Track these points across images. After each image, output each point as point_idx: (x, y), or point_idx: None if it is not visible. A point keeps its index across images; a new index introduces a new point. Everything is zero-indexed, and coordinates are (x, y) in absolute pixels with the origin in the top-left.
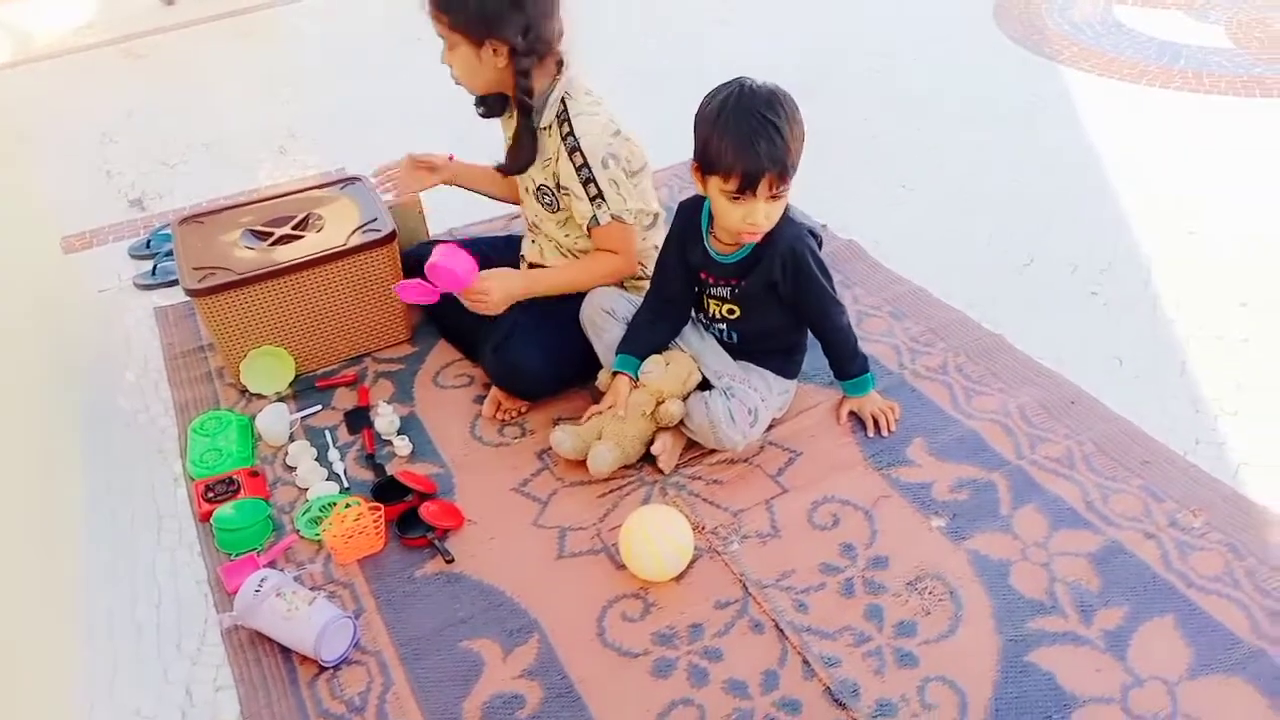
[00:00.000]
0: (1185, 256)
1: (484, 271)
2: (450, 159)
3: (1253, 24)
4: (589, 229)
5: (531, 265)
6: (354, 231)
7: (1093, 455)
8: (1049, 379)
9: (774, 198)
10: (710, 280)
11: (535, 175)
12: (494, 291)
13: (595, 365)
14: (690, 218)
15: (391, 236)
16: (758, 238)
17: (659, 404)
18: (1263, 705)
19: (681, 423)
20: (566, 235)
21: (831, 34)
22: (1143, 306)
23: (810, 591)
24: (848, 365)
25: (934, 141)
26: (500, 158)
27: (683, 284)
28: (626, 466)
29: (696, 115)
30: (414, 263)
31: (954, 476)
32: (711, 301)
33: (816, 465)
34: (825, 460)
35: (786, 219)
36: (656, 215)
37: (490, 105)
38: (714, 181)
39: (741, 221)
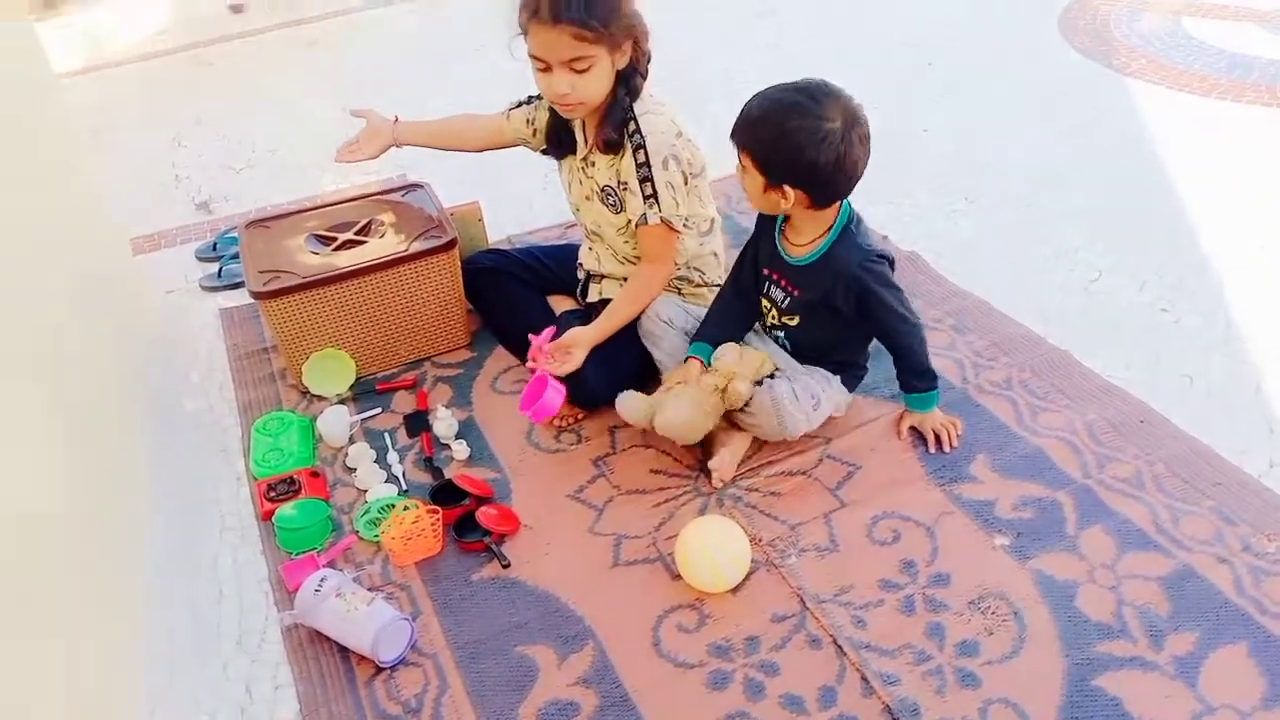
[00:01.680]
0: (1258, 274)
1: (566, 335)
2: (395, 120)
3: None
4: (636, 225)
5: (589, 274)
6: (416, 238)
7: (1163, 476)
8: (1117, 397)
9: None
10: (772, 276)
11: (600, 177)
12: (579, 354)
13: (653, 375)
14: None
15: (452, 244)
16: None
17: (729, 383)
18: None
19: (740, 420)
20: (626, 242)
21: (892, 43)
22: (1215, 324)
23: (869, 608)
24: (915, 381)
25: (997, 154)
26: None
27: (753, 278)
28: (677, 475)
29: None
30: (472, 270)
31: (1018, 494)
32: (768, 304)
33: (876, 479)
34: (885, 475)
35: (853, 242)
36: (713, 220)
37: (564, 140)
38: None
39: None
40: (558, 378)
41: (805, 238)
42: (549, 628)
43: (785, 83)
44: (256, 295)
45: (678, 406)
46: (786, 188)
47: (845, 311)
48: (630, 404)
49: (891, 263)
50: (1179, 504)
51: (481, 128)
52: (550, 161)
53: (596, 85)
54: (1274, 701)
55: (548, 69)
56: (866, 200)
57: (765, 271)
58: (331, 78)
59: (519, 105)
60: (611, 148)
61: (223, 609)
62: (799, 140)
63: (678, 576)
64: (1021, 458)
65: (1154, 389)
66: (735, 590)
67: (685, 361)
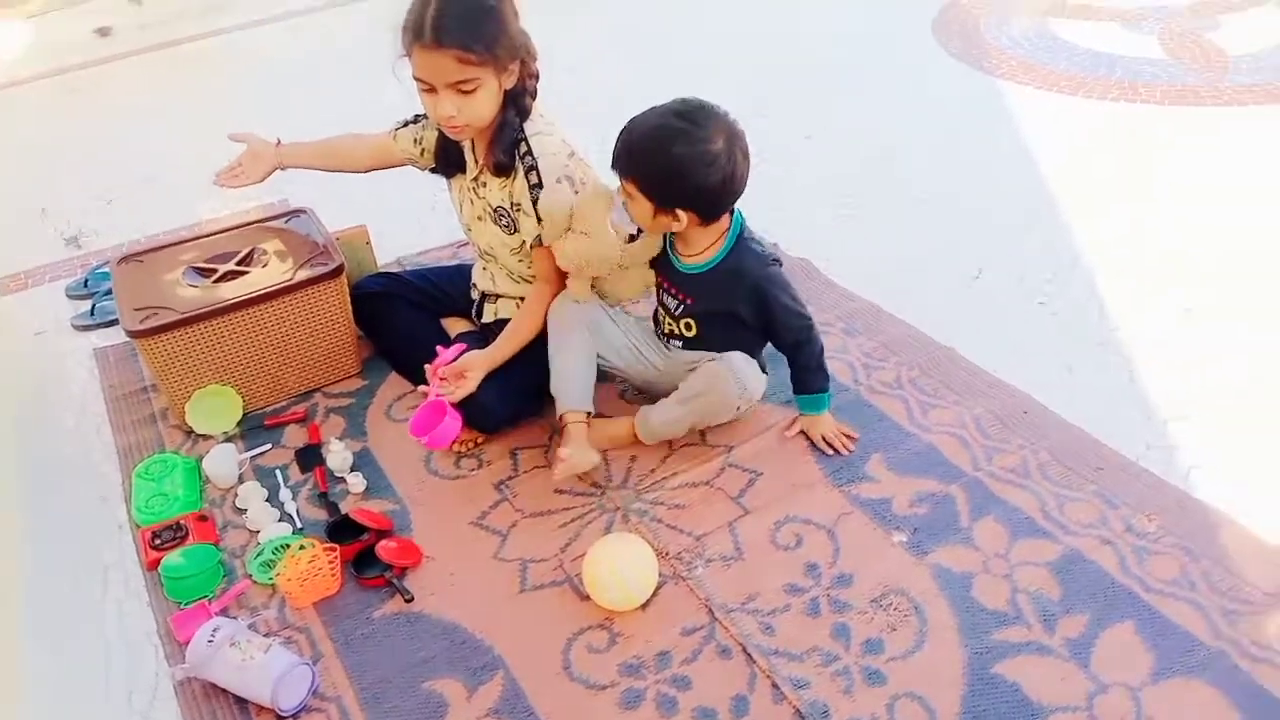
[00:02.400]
0: (1127, 264)
1: (459, 362)
2: (278, 144)
3: (1185, 35)
4: (531, 245)
5: (484, 294)
6: (301, 265)
7: (1047, 464)
8: (1001, 390)
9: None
10: (663, 284)
11: (492, 198)
12: (472, 381)
13: (550, 395)
14: None
15: (339, 269)
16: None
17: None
18: (1224, 706)
19: (690, 402)
20: (520, 261)
21: (771, 54)
22: (1089, 315)
23: (776, 613)
24: (810, 379)
25: (877, 157)
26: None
27: None
28: (581, 493)
29: None
30: (361, 295)
31: (913, 490)
32: (663, 312)
33: (777, 485)
34: (785, 480)
35: (749, 250)
36: None
37: (453, 158)
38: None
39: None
40: (454, 404)
41: (697, 248)
42: (456, 660)
43: (661, 106)
44: (133, 334)
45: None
46: (678, 210)
47: (746, 318)
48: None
49: (779, 261)
50: (1064, 490)
51: (368, 147)
52: (439, 180)
53: (484, 107)
54: (1161, 675)
55: (432, 91)
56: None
57: (660, 281)
58: (207, 100)
59: (405, 124)
60: (502, 170)
61: (110, 666)
62: (686, 166)
63: (586, 597)
64: (914, 454)
65: (1035, 381)
66: (644, 606)
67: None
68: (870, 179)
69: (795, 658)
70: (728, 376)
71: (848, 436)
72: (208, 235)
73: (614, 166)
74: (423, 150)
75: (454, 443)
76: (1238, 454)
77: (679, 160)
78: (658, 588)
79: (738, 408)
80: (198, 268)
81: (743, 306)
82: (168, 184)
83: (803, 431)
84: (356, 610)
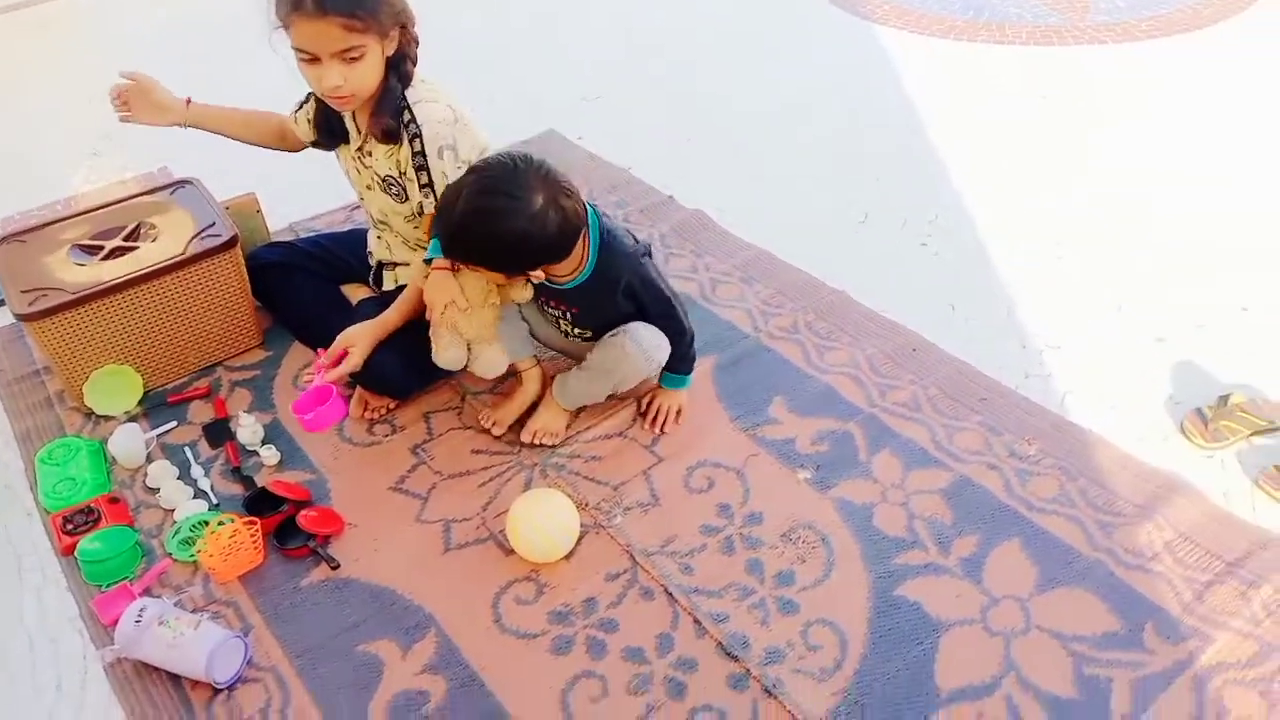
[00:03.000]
0: (1004, 203)
1: (340, 337)
2: (188, 102)
3: None
4: (418, 215)
5: (380, 264)
6: (192, 239)
7: (936, 398)
8: (891, 329)
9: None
10: (546, 303)
11: (380, 168)
12: (356, 354)
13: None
14: None
15: (233, 241)
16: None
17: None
18: (1102, 610)
19: (591, 377)
20: (415, 229)
21: (650, 3)
22: (969, 254)
23: (694, 554)
24: (677, 363)
25: (764, 108)
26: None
27: None
28: (499, 452)
29: None
30: (257, 266)
31: (814, 429)
32: (554, 316)
33: (687, 432)
34: (694, 426)
35: (616, 251)
36: None
37: (335, 129)
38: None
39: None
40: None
41: (566, 268)
42: (388, 622)
43: (465, 181)
44: (22, 318)
45: (493, 357)
46: (529, 272)
47: (628, 310)
48: (451, 357)
49: (648, 250)
50: (952, 421)
51: (274, 125)
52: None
53: (370, 75)
54: (1045, 586)
55: (316, 61)
56: (649, 161)
57: (537, 297)
58: (71, 66)
59: (300, 106)
60: (390, 136)
61: (36, 656)
62: (518, 236)
63: (511, 552)
64: (814, 395)
65: (922, 319)
66: (568, 556)
67: (430, 273)
68: (757, 128)
69: (714, 594)
70: (634, 352)
71: (679, 411)
72: (91, 210)
73: (448, 254)
74: (314, 128)
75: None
76: (1105, 378)
77: (511, 236)
78: (580, 537)
79: (648, 374)
80: (83, 245)
81: (624, 303)
82: (37, 156)
83: (645, 401)
84: (283, 581)
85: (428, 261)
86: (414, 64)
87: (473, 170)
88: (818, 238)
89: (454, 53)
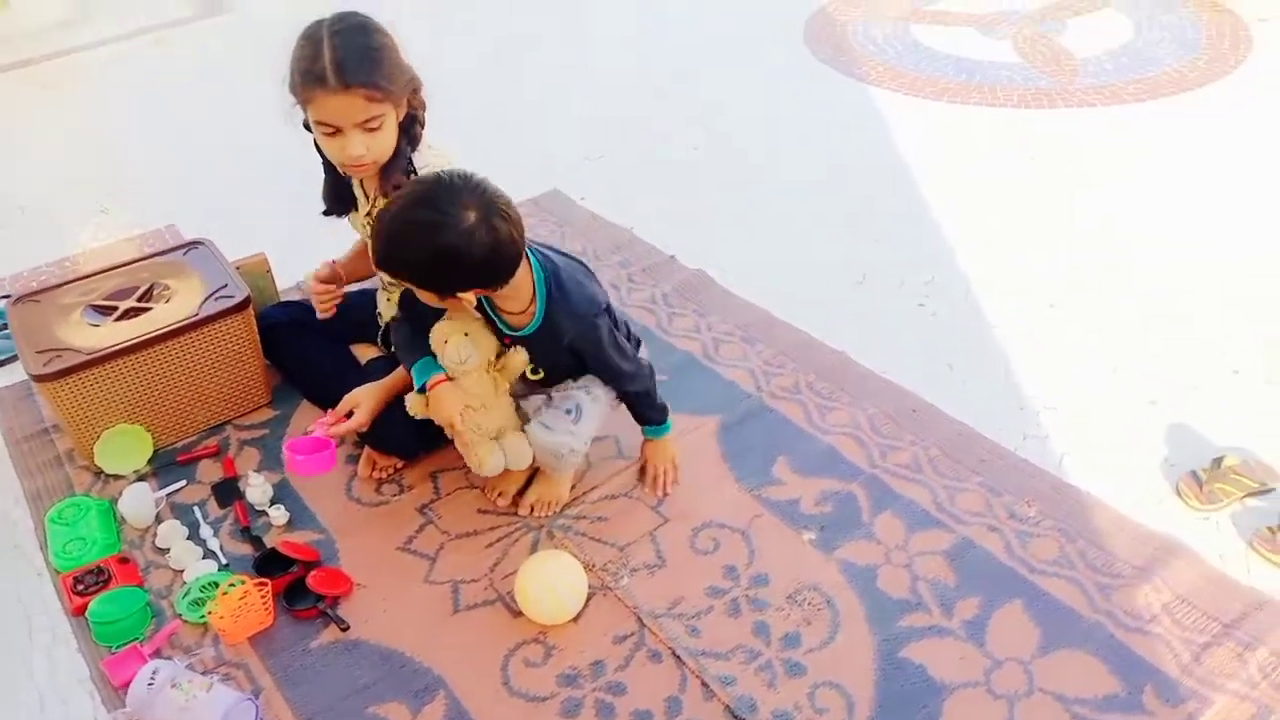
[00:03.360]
0: (997, 264)
1: (347, 396)
2: (333, 264)
3: (1036, 39)
4: None
5: (389, 323)
6: (205, 300)
7: (937, 459)
8: (891, 390)
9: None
10: (507, 342)
11: None
12: (362, 413)
13: None
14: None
15: (246, 303)
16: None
17: (498, 365)
18: (1103, 672)
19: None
20: None
21: (649, 64)
22: (965, 314)
23: (701, 616)
24: (642, 415)
25: (762, 166)
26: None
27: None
28: (505, 512)
29: None
30: (268, 326)
31: (818, 490)
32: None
33: (692, 493)
34: (700, 487)
35: (563, 309)
36: None
37: (343, 196)
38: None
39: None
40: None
41: (517, 306)
42: (398, 684)
43: (409, 193)
44: (37, 379)
45: (496, 457)
46: (460, 294)
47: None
48: (496, 463)
49: (608, 309)
50: (953, 482)
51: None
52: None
53: (388, 142)
54: (1047, 648)
55: (338, 133)
56: (652, 220)
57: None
58: (75, 123)
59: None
60: None
61: (46, 715)
62: (447, 255)
63: (519, 614)
64: (816, 455)
65: (921, 379)
66: (576, 618)
67: (429, 392)
68: (756, 189)
69: (721, 656)
70: (542, 448)
71: (675, 469)
72: (105, 271)
73: (382, 268)
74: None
75: (318, 474)
76: (1101, 440)
77: (438, 252)
78: (587, 599)
79: (573, 461)
80: (97, 305)
81: (571, 358)
82: (45, 213)
83: (640, 464)
84: (293, 642)
85: (421, 390)
86: (422, 126)
87: (410, 183)
88: (817, 297)
89: (458, 110)
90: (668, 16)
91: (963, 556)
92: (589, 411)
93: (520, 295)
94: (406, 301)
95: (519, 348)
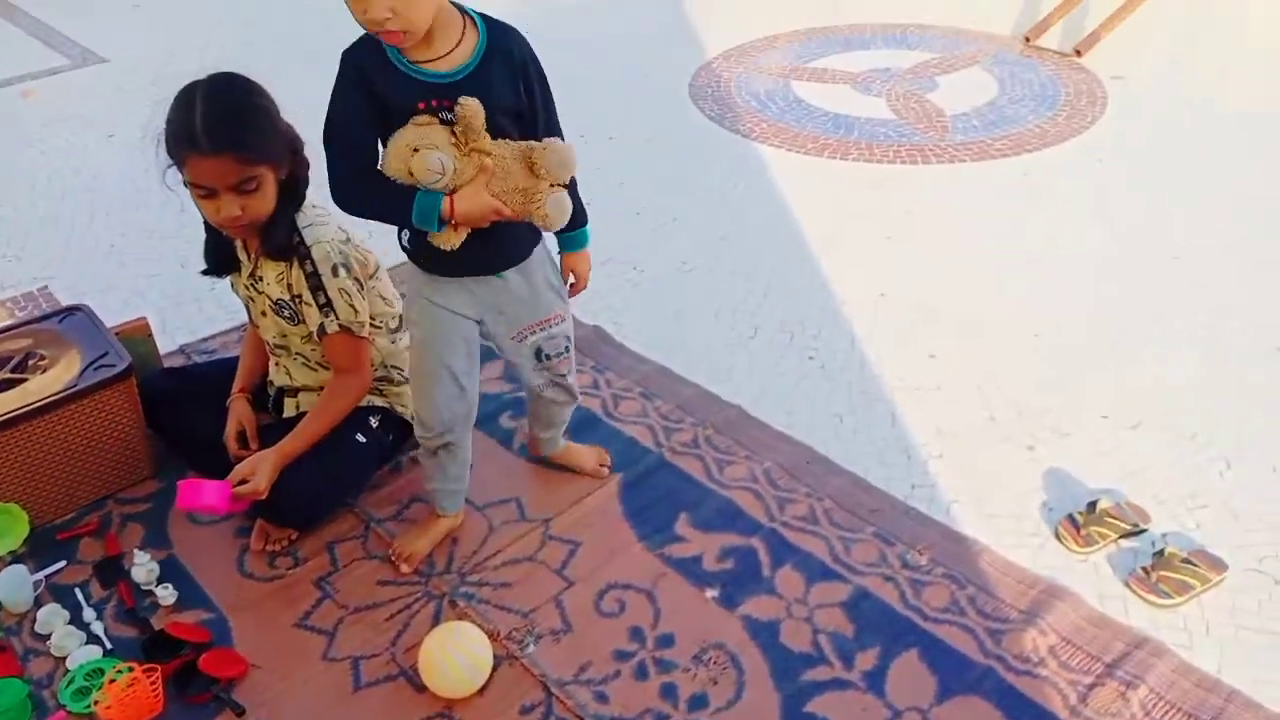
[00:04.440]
0: (880, 317)
1: (238, 467)
2: (242, 392)
3: (908, 96)
4: (318, 336)
5: (280, 390)
6: (85, 369)
7: (832, 510)
8: (786, 442)
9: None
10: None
11: (271, 291)
12: (260, 479)
13: (366, 481)
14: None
15: (129, 371)
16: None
17: (462, 139)
18: (997, 716)
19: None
20: (313, 349)
21: None
22: (851, 366)
23: (608, 680)
24: (577, 218)
25: (654, 223)
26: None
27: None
28: (406, 582)
29: None
30: (154, 395)
31: (719, 546)
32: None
33: (596, 553)
34: (604, 547)
35: (511, 27)
36: (400, 316)
37: (224, 257)
38: None
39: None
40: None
41: (446, 43)
42: None
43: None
44: None
45: (554, 205)
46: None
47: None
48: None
49: None
50: (848, 533)
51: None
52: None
53: (267, 203)
54: (945, 695)
55: (212, 194)
56: None
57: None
58: None
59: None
60: (280, 254)
61: None
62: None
63: (423, 688)
64: (716, 511)
65: (813, 430)
66: (482, 690)
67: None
68: (647, 242)
69: None
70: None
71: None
72: None
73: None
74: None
75: (207, 509)
76: (985, 486)
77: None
78: (493, 669)
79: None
80: None
81: (517, 99)
82: None
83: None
84: None
85: (442, 225)
86: (305, 186)
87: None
88: (711, 353)
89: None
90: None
91: (860, 607)
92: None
93: (448, 28)
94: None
95: (463, 99)
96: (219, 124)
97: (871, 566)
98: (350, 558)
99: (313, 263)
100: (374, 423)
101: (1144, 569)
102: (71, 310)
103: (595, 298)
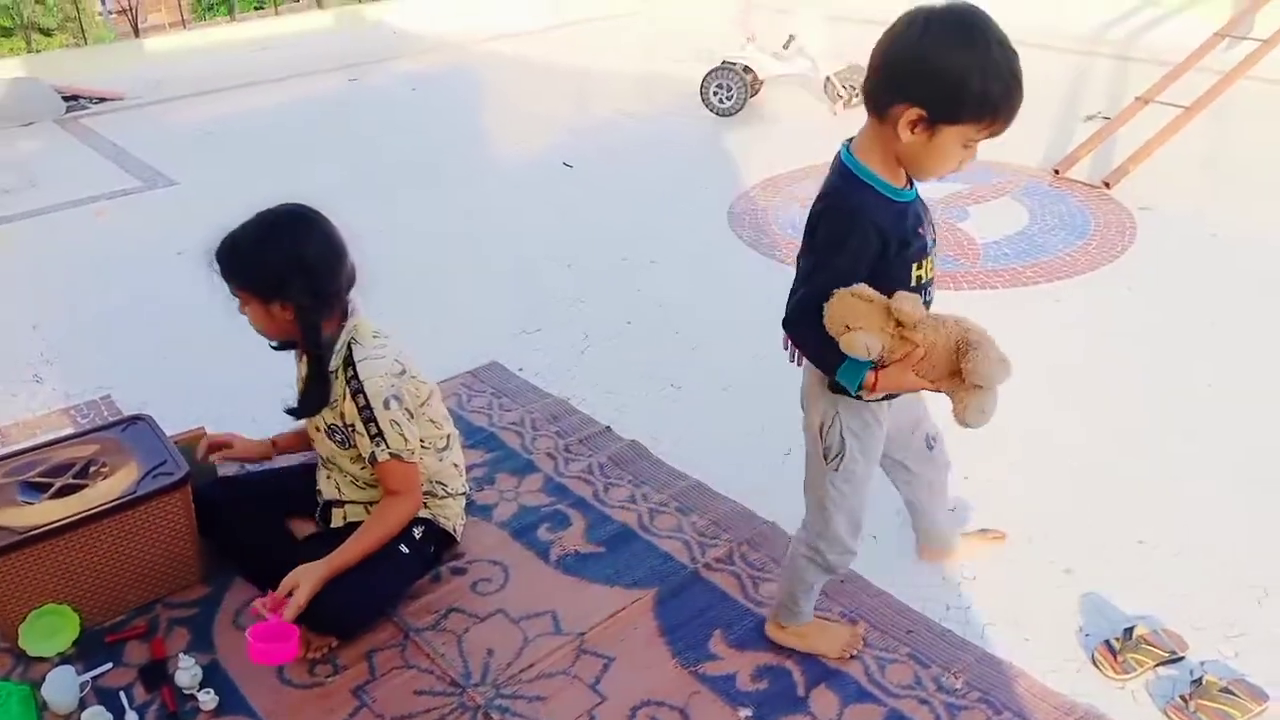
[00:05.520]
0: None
1: (287, 579)
2: (273, 443)
3: (941, 225)
4: (369, 462)
5: (328, 501)
6: (143, 476)
7: (867, 631)
8: None
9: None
10: (919, 231)
11: (325, 416)
12: (301, 594)
13: (405, 590)
14: (866, 194)
15: (185, 480)
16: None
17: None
18: None
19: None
20: (362, 469)
21: (588, 240)
22: (885, 488)
23: None
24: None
25: (692, 342)
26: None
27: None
28: (441, 692)
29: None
30: (208, 503)
31: (753, 665)
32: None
33: (630, 669)
34: (637, 662)
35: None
36: (449, 436)
37: (284, 343)
38: (963, 130)
39: (958, 163)
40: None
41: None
42: None
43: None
44: None
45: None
46: None
47: None
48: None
49: None
50: (882, 654)
51: None
52: (273, 374)
53: (255, 321)
54: None
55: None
56: (590, 391)
57: (920, 231)
58: (11, 291)
59: None
60: (320, 390)
61: None
62: None
63: None
64: (751, 629)
65: None
66: None
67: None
68: (685, 363)
69: None
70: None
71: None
72: (41, 446)
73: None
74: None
75: (300, 653)
76: (1021, 609)
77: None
78: None
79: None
80: (31, 482)
81: None
82: None
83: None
84: None
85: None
86: (317, 331)
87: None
88: (749, 468)
89: (399, 283)
90: (603, 202)
91: None
92: None
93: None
94: None
95: (901, 294)
96: (225, 251)
97: (907, 689)
98: (388, 666)
99: (365, 396)
100: (418, 534)
101: (1182, 697)
102: (134, 420)
103: (633, 413)
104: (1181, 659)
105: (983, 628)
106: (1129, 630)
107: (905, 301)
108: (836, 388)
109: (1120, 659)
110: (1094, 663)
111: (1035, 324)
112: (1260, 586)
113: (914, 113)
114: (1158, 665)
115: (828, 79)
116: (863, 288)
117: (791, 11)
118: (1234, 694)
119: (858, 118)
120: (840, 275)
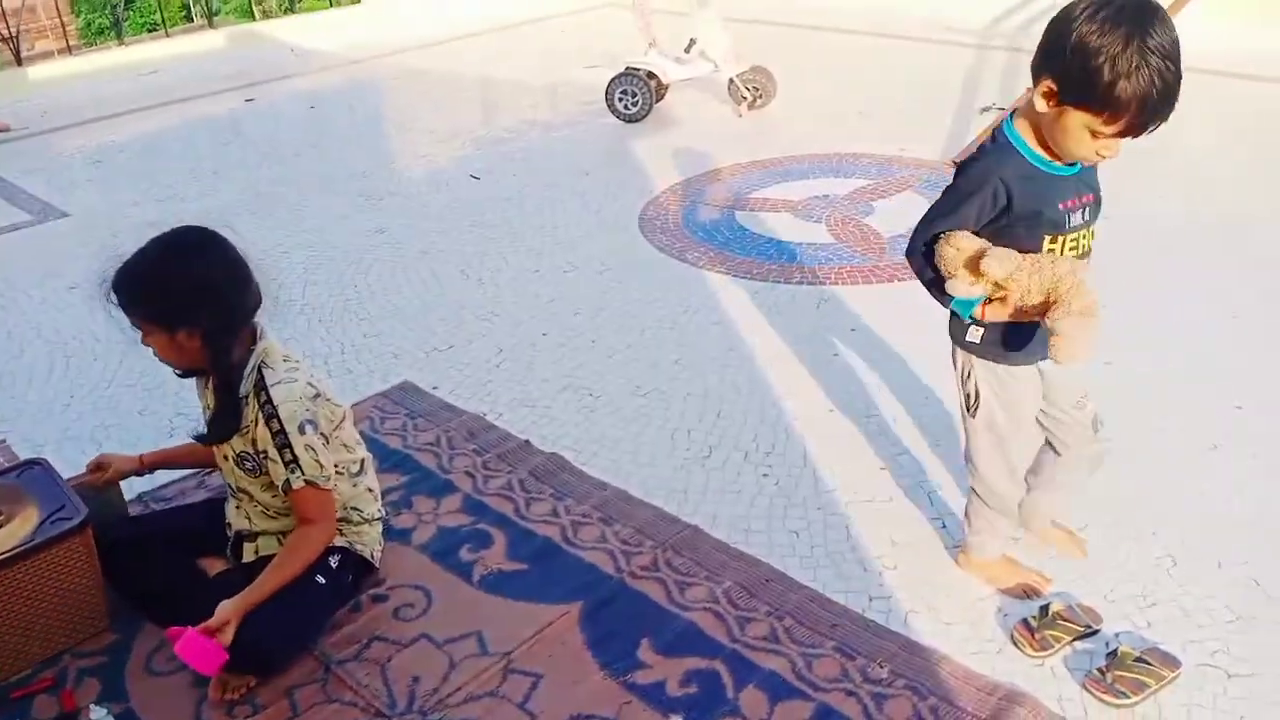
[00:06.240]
0: (830, 432)
1: (210, 620)
2: (140, 460)
3: (847, 220)
4: (283, 490)
5: (238, 533)
6: (42, 523)
7: (792, 627)
8: (744, 560)
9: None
10: (1072, 206)
11: (235, 444)
12: (227, 633)
13: (325, 621)
14: (1008, 158)
15: (85, 525)
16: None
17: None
18: None
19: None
20: (274, 497)
21: (499, 252)
22: (805, 481)
23: None
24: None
25: (608, 348)
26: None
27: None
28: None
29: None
30: (112, 545)
31: (681, 670)
32: (1060, 242)
33: (559, 685)
34: (566, 678)
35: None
36: (363, 460)
37: (189, 370)
38: (1085, 117)
39: (1093, 152)
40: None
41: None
42: None
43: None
44: None
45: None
46: None
47: None
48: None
49: None
50: (808, 649)
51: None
52: (172, 405)
53: (160, 351)
54: None
55: None
56: (506, 405)
57: (1062, 207)
58: None
59: None
60: (225, 412)
61: None
62: None
63: None
64: (677, 635)
65: (771, 548)
66: None
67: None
68: (602, 371)
69: None
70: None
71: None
72: None
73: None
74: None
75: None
76: (940, 595)
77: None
78: None
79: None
80: None
81: None
82: None
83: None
84: None
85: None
86: (227, 355)
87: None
88: (670, 474)
89: (304, 306)
90: (512, 211)
91: None
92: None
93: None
94: None
95: (993, 251)
96: (121, 279)
97: (833, 682)
98: (310, 702)
99: (280, 421)
100: (334, 563)
101: (1099, 670)
102: (30, 464)
103: (552, 425)
104: (1097, 632)
105: (905, 615)
106: (1045, 608)
107: (993, 260)
108: (957, 333)
109: (1038, 636)
110: (1013, 642)
111: (941, 313)
112: (1169, 556)
113: (1047, 84)
114: (1074, 640)
115: (731, 80)
116: (960, 236)
117: (688, 15)
118: (1148, 663)
119: (762, 118)
120: (949, 222)
